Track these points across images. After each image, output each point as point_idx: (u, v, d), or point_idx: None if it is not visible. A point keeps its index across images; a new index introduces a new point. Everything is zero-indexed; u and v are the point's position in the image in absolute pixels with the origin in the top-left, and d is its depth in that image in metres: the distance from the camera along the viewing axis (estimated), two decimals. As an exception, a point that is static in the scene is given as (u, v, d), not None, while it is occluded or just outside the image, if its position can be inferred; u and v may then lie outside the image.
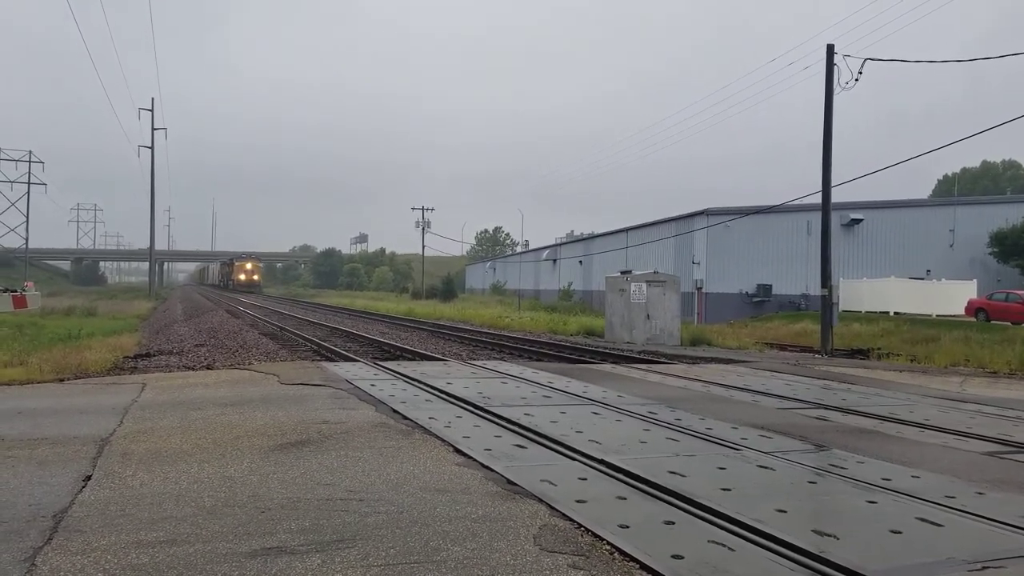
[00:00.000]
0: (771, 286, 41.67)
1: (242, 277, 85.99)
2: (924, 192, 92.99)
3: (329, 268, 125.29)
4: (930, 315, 34.79)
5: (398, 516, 4.37)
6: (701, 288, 41.56)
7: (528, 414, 8.02)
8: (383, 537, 4.00)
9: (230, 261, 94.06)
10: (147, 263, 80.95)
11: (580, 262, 59.16)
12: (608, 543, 3.97)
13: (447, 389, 9.85)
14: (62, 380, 10.80)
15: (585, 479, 5.37)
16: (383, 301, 59.74)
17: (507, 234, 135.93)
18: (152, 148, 60.33)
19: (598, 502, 4.77)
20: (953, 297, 36.64)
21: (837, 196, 23.05)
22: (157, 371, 12.35)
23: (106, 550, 3.73)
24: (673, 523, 4.40)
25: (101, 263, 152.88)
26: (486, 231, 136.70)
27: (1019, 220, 41.77)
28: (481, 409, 8.32)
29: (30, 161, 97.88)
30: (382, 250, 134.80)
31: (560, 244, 72.41)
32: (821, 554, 3.83)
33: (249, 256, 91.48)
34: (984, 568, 3.75)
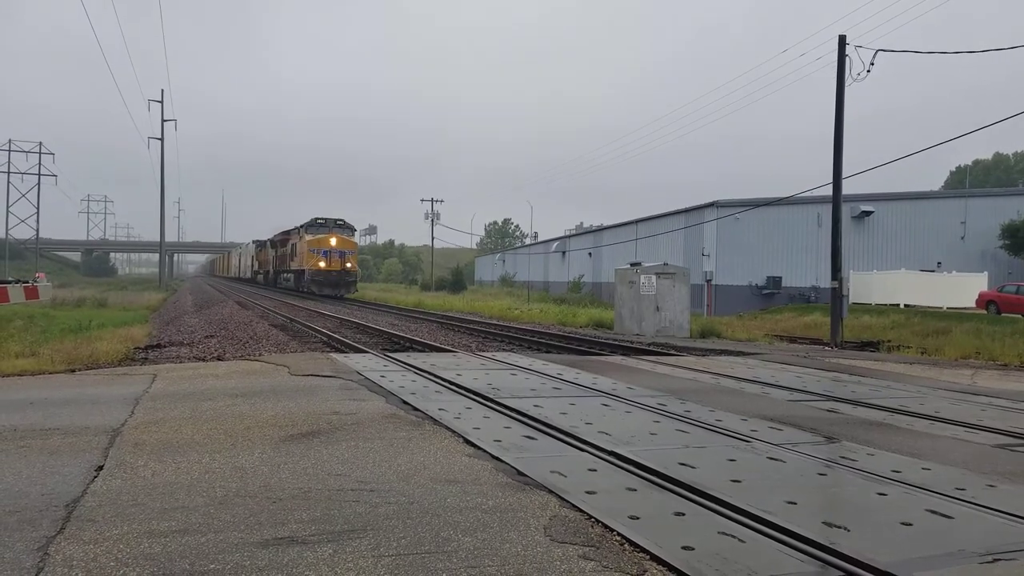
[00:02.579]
0: (781, 278, 41.58)
1: (322, 264, 44.99)
2: (936, 184, 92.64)
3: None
4: (940, 308, 34.66)
5: (409, 507, 4.39)
6: (711, 280, 41.48)
7: (538, 405, 8.03)
8: (394, 527, 4.01)
9: (283, 238, 53.83)
10: (157, 255, 79.95)
11: (589, 254, 59.14)
12: (618, 534, 3.97)
13: (457, 380, 9.86)
14: (73, 371, 10.86)
15: (595, 470, 5.37)
16: (392, 292, 59.83)
17: (516, 226, 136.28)
18: (162, 140, 60.51)
19: (608, 493, 4.77)
20: (964, 289, 36.49)
21: (848, 188, 22.95)
22: (168, 362, 12.41)
23: (118, 539, 3.76)
24: (683, 514, 4.39)
25: (111, 254, 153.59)
26: (495, 223, 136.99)
27: (1031, 212, 41.55)
28: (491, 400, 8.33)
29: (40, 152, 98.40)
30: (391, 242, 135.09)
31: (569, 236, 72.39)
32: (831, 546, 3.82)
33: (335, 224, 47.43)
34: (995, 560, 3.74)
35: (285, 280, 53.12)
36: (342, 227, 47.86)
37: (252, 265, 70.28)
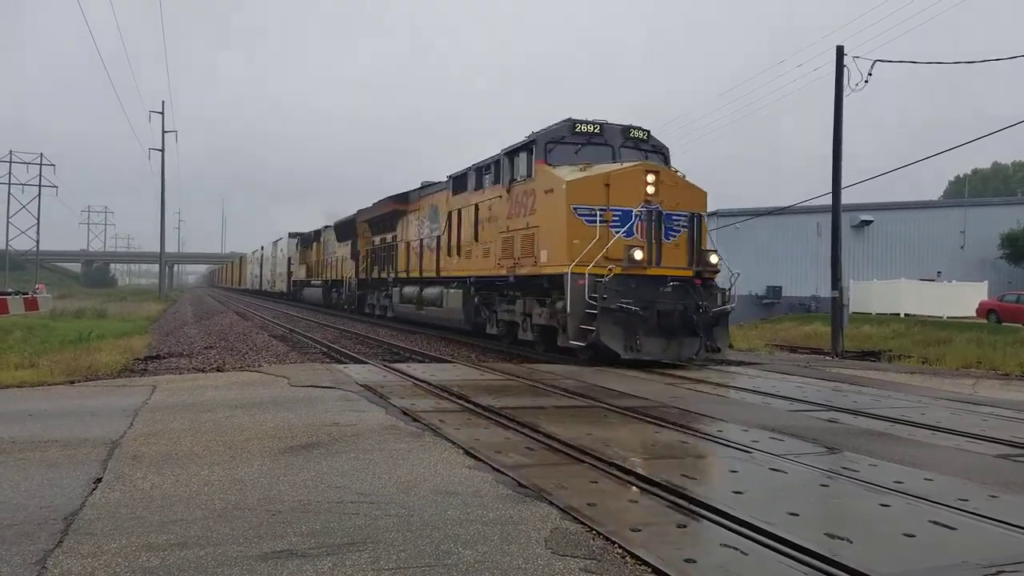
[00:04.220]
0: (781, 288, 41.53)
1: (637, 256, 12.61)
2: (935, 193, 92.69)
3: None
4: (941, 317, 34.61)
5: (409, 519, 4.37)
6: (710, 290, 41.41)
7: (537, 416, 8.00)
8: (394, 540, 3.99)
9: (397, 207, 23.12)
10: (157, 265, 79.09)
11: (588, 264, 59.00)
12: (620, 547, 3.95)
13: (457, 392, 9.82)
14: (73, 382, 10.82)
15: (595, 482, 5.35)
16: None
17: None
18: (163, 151, 60.58)
19: (609, 505, 4.75)
20: (964, 299, 36.48)
21: (847, 197, 22.96)
22: (167, 373, 12.37)
23: (117, 553, 3.73)
24: (685, 526, 4.37)
25: (111, 265, 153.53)
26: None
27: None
28: (491, 411, 8.30)
29: (41, 164, 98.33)
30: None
31: (569, 246, 72.11)
32: (834, 557, 3.80)
33: (629, 139, 14.37)
34: (999, 572, 3.71)
35: (406, 305, 23.54)
36: (645, 149, 15.31)
37: (289, 273, 45.92)
